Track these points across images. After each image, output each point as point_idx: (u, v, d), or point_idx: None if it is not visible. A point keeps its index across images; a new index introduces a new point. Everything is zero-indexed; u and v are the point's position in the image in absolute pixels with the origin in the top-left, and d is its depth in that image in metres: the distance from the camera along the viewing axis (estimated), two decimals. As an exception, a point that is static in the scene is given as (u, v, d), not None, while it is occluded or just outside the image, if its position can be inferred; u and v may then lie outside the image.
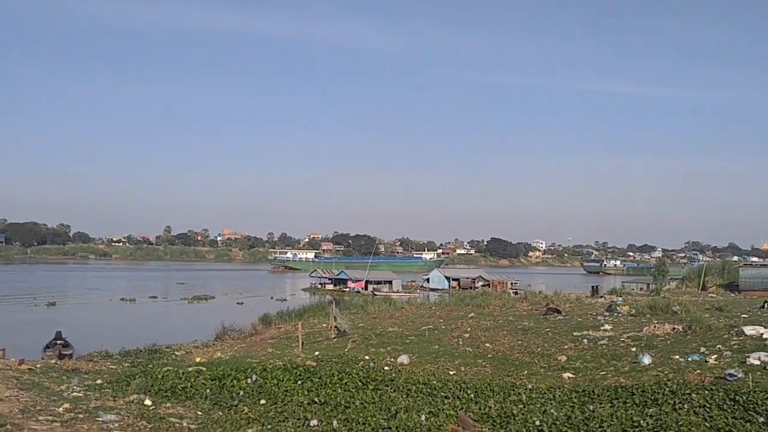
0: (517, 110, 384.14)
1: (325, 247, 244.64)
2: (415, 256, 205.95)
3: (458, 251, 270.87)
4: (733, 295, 51.73)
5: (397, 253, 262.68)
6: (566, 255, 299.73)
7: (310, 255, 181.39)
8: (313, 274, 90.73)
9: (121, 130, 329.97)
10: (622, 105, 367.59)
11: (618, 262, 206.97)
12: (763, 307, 31.98)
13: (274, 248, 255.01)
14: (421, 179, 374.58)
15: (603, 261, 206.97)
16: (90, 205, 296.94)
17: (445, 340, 23.11)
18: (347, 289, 76.83)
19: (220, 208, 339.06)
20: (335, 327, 25.22)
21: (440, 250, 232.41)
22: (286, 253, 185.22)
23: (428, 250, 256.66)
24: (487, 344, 21.21)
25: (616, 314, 29.38)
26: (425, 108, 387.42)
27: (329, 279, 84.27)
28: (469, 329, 25.62)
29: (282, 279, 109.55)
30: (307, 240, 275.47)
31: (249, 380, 13.85)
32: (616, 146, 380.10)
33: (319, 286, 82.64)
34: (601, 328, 23.90)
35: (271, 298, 65.80)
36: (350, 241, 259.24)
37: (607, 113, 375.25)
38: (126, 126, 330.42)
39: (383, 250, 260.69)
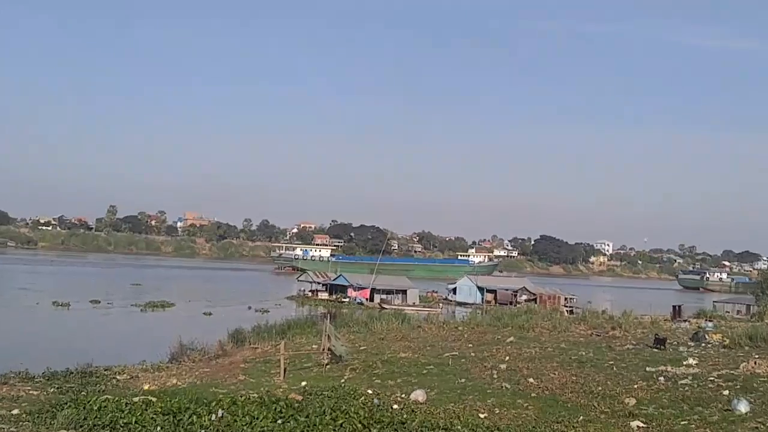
0: (586, 69, 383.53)
1: (319, 241, 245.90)
2: (461, 258, 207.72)
3: (496, 252, 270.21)
4: None
5: (416, 251, 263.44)
6: (640, 262, 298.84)
7: (326, 253, 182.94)
8: (301, 278, 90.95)
9: (48, 72, 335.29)
10: (728, 60, 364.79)
11: (724, 276, 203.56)
12: None
13: (251, 240, 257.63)
14: (442, 155, 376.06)
15: (705, 274, 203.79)
16: (8, 175, 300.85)
17: (474, 371, 23.05)
18: (346, 299, 77.24)
19: (182, 184, 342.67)
20: (329, 349, 25.26)
21: (485, 254, 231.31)
22: (294, 249, 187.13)
23: (455, 250, 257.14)
24: (531, 379, 21.15)
25: (704, 344, 29.27)
26: (461, 61, 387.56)
27: (323, 285, 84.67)
28: (507, 358, 25.53)
29: (282, 284, 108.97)
30: (295, 230, 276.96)
31: (213, 416, 13.93)
32: (723, 119, 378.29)
33: (309, 294, 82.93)
34: (684, 362, 23.75)
35: (249, 308, 66.30)
36: (352, 234, 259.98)
37: (701, 72, 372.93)
38: (54, 67, 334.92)
39: (396, 247, 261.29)
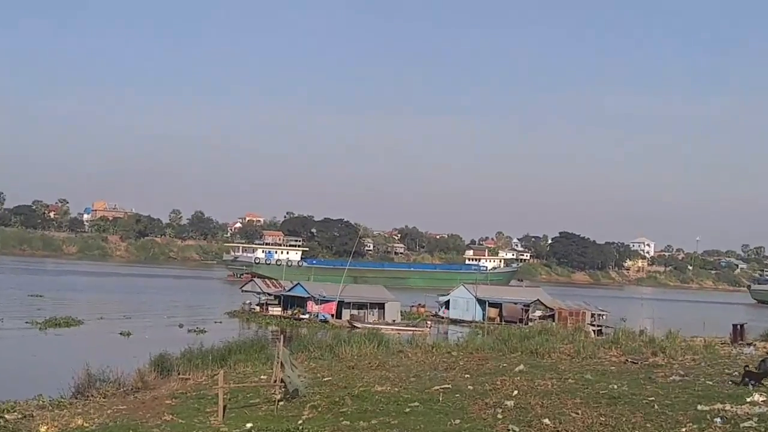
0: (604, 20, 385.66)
1: (269, 238, 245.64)
2: (469, 263, 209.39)
3: (501, 254, 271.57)
4: None
5: (396, 253, 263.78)
6: (690, 268, 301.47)
7: (295, 255, 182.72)
8: (245, 288, 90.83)
9: None
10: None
11: None
12: None
13: (181, 238, 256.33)
14: (431, 129, 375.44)
15: None
16: None
17: (472, 410, 23.08)
18: (305, 316, 77.27)
19: (90, 165, 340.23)
20: (282, 381, 25.19)
21: (500, 258, 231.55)
22: (254, 251, 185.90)
23: (447, 251, 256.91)
24: (546, 420, 21.22)
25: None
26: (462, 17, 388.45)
27: (275, 297, 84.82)
28: (515, 393, 25.58)
29: (234, 296, 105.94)
30: (238, 224, 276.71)
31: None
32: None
33: (257, 308, 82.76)
34: (747, 398, 23.93)
35: (180, 326, 66.35)
36: (313, 230, 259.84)
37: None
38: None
39: (371, 247, 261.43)
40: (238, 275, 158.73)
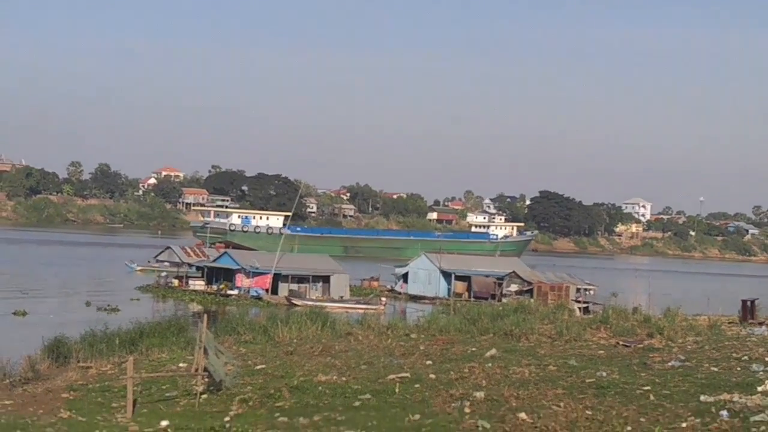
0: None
1: (191, 197, 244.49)
2: (476, 232, 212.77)
3: (470, 217, 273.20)
4: None
5: (345, 215, 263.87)
6: (693, 233, 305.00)
7: (276, 222, 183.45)
8: (159, 258, 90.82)
9: None
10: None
11: None
12: None
13: (82, 196, 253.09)
14: (386, 71, 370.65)
15: None
16: None
17: (435, 403, 23.20)
18: (234, 291, 77.30)
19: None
20: (205, 370, 25.08)
21: (512, 225, 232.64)
22: (228, 216, 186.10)
23: (407, 214, 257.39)
24: (522, 415, 21.34)
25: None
26: None
27: (197, 268, 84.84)
28: (485, 383, 25.79)
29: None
30: (153, 180, 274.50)
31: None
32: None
33: (175, 282, 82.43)
34: (759, 388, 24.25)
35: (87, 304, 66.19)
36: (244, 188, 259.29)
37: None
38: None
39: (315, 208, 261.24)
40: (209, 244, 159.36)
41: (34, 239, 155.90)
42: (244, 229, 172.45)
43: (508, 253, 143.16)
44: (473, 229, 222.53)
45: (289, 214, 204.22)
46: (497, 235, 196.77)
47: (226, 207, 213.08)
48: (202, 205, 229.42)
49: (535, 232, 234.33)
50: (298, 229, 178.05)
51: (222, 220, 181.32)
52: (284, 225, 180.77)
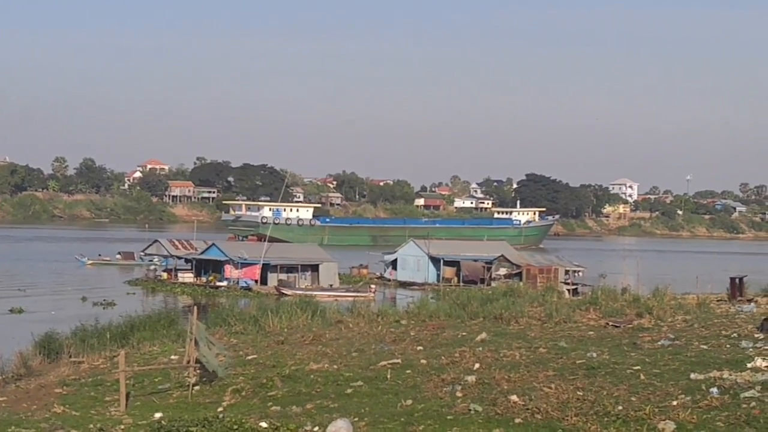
0: None
1: (177, 190, 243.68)
2: (499, 218, 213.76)
3: (457, 202, 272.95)
4: None
5: (332, 204, 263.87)
6: (680, 212, 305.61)
7: (306, 214, 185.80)
8: (147, 252, 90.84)
9: None
10: None
11: None
12: None
13: (68, 192, 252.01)
14: (370, 55, 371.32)
15: None
16: None
17: (427, 388, 23.33)
18: (223, 283, 77.33)
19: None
20: (197, 362, 25.16)
21: (533, 210, 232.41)
22: (260, 209, 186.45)
23: (394, 200, 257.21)
24: (514, 397, 21.45)
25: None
26: None
27: (186, 260, 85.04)
28: (476, 366, 25.90)
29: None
30: (139, 173, 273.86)
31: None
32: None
33: (165, 275, 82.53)
34: (748, 364, 24.41)
35: (83, 299, 66.55)
36: (231, 179, 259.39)
37: None
38: None
39: (302, 197, 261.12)
40: (241, 238, 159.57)
41: (25, 237, 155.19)
42: (276, 222, 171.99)
43: (531, 238, 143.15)
44: (495, 215, 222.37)
45: (318, 205, 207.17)
46: (520, 221, 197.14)
47: (258, 200, 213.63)
48: (189, 197, 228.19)
49: (557, 216, 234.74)
50: (327, 220, 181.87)
51: (254, 214, 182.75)
52: (313, 217, 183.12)
